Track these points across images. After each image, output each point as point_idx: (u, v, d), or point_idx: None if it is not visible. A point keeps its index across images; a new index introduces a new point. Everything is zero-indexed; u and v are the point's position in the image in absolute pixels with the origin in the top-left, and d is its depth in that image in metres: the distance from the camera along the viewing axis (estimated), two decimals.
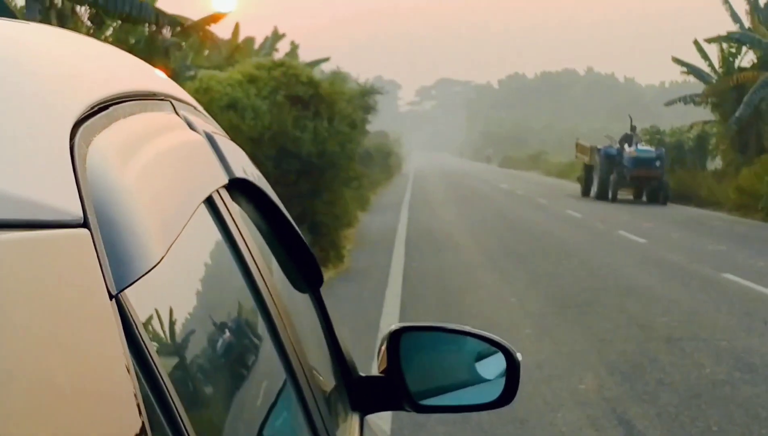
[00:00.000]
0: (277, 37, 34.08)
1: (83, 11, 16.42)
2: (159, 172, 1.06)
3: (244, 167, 1.67)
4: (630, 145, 40.17)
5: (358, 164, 20.27)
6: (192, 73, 22.38)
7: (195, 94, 14.52)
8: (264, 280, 1.54)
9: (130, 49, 21.38)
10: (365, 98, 22.76)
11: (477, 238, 22.51)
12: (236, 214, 1.51)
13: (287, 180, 15.18)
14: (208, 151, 1.44)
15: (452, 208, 33.84)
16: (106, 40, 22.60)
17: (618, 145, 41.06)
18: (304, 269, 2.11)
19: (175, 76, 20.20)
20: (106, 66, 1.25)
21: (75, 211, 0.77)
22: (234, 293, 1.49)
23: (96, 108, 0.97)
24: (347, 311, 11.47)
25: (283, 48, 36.29)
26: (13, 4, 17.74)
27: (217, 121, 1.84)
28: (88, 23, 18.62)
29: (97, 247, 0.78)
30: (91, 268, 0.76)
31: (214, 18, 21.42)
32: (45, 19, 19.71)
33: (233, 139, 1.82)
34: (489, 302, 13.19)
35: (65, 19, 20.43)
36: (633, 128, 42.26)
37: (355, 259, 17.65)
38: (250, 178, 1.69)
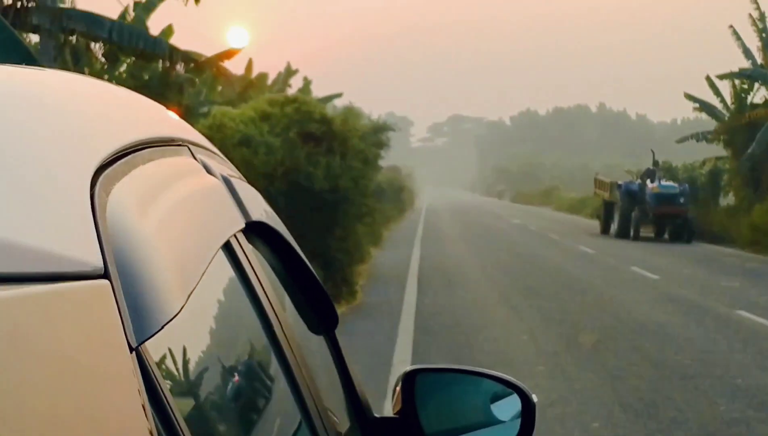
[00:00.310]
0: (290, 72, 34.24)
1: (97, 48, 16.53)
2: (178, 220, 1.06)
3: (261, 210, 1.68)
4: (653, 181, 38.60)
5: (371, 199, 20.27)
6: (206, 109, 22.49)
7: (208, 131, 14.59)
8: (279, 322, 1.55)
9: (144, 85, 21.50)
10: (378, 135, 22.84)
11: (489, 274, 22.48)
12: (252, 256, 1.52)
13: (300, 216, 15.19)
14: (225, 195, 1.44)
15: (464, 244, 33.82)
16: (120, 76, 22.76)
17: (639, 181, 39.69)
18: (320, 311, 2.11)
19: (189, 112, 20.32)
20: (125, 112, 1.26)
21: (96, 262, 0.77)
22: (249, 336, 1.49)
23: (115, 156, 0.98)
24: (359, 347, 11.44)
25: (295, 83, 36.40)
26: (27, 40, 17.83)
27: (230, 157, 1.84)
28: (102, 59, 18.75)
29: (118, 298, 0.78)
30: (111, 320, 0.76)
31: (228, 54, 21.54)
32: (59, 55, 19.83)
33: (246, 175, 1.83)
34: (502, 339, 13.15)
35: (80, 56, 20.56)
36: (656, 163, 41.04)
37: (368, 294, 17.64)
38: (266, 221, 1.69)
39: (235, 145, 15.12)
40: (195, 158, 1.40)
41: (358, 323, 13.92)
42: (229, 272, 1.36)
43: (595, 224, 43.59)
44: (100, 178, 0.89)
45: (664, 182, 38.69)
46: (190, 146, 1.42)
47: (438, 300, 17.17)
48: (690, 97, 42.01)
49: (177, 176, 1.19)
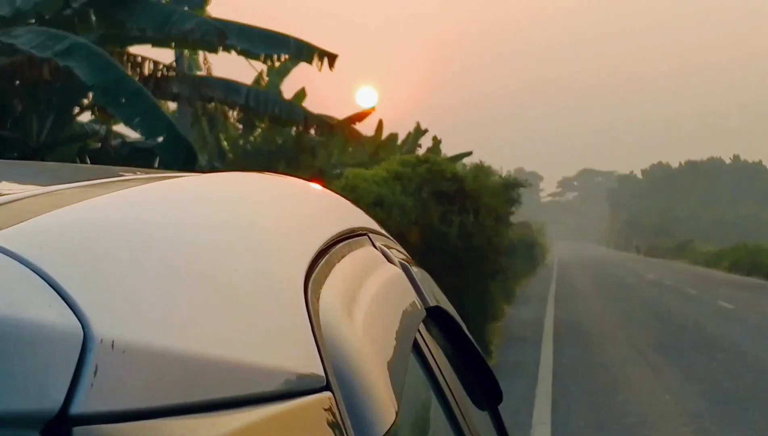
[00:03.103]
0: (419, 132, 34.31)
1: (233, 114, 16.88)
2: (377, 320, 1.05)
3: (433, 293, 1.67)
4: None
5: (504, 257, 20.17)
6: (338, 171, 22.73)
7: (342, 192, 14.70)
8: (456, 400, 1.54)
9: (278, 149, 21.87)
10: (509, 191, 22.74)
11: (626, 332, 22.08)
12: (430, 341, 1.51)
13: (434, 274, 15.14)
14: (406, 284, 1.43)
15: (599, 301, 33.32)
16: (255, 140, 23.18)
17: None
18: (484, 386, 2.11)
19: (322, 174, 20.55)
20: (314, 208, 1.26)
21: (319, 374, 0.76)
22: (430, 415, 1.49)
23: (315, 257, 0.97)
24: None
25: (424, 142, 36.39)
26: (165, 107, 18.33)
27: None
28: (239, 125, 19.13)
29: (340, 410, 0.77)
30: (336, 433, 0.75)
31: (359, 116, 21.77)
32: (196, 122, 20.32)
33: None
34: (643, 399, 12.87)
35: (215, 122, 21.04)
36: None
37: (503, 354, 17.47)
38: (440, 304, 1.68)
39: (369, 206, 15.21)
40: (374, 246, 1.40)
41: None
42: (413, 358, 1.36)
43: (734, 278, 42.40)
44: (309, 284, 0.88)
45: None
46: (369, 234, 1.42)
47: (575, 360, 16.92)
48: None
49: (367, 271, 1.18)
